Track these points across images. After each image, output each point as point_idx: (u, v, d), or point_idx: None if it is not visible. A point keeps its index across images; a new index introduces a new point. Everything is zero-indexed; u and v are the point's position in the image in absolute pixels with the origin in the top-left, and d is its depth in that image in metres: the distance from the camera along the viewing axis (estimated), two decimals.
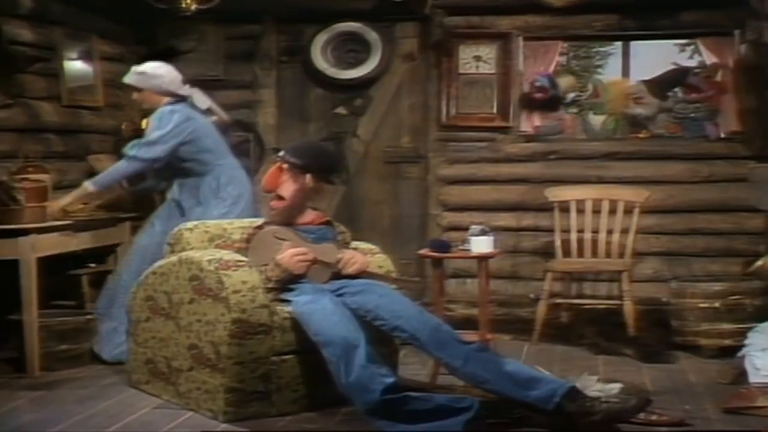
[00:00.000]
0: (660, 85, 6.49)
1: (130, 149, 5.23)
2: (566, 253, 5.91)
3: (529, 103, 6.44)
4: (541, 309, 5.63)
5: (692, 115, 6.34)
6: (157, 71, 5.37)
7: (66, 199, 5.19)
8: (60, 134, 5.85)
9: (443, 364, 4.16)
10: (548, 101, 6.42)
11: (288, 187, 4.43)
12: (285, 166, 4.45)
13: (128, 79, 5.41)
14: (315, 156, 4.56)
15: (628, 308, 5.44)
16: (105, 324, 5.17)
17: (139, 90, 5.38)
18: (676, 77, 6.52)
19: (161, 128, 5.20)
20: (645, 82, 6.49)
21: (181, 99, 5.37)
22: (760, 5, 5.23)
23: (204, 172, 5.31)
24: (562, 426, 3.79)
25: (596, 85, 6.70)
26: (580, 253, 5.90)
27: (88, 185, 5.22)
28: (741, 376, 4.65)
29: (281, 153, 4.55)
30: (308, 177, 4.44)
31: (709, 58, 6.39)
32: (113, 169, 5.29)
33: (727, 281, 5.57)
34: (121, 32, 6.57)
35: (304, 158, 4.47)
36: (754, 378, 4.57)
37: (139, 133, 6.43)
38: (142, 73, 5.36)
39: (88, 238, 5.32)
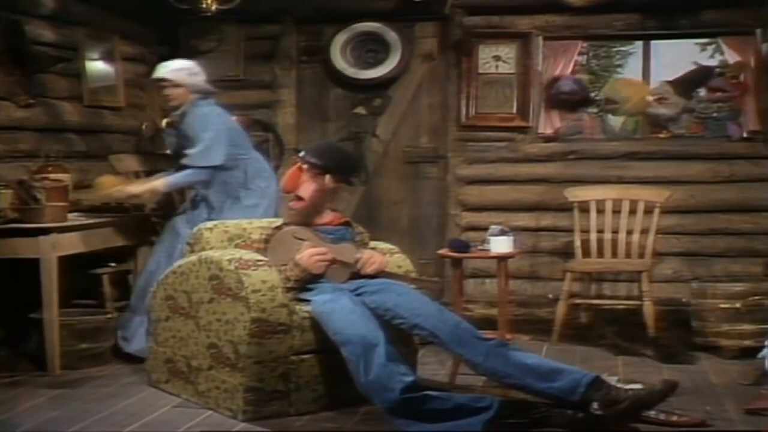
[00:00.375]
0: (684, 85, 6.46)
1: (194, 160, 5.15)
2: (586, 253, 5.88)
3: (560, 105, 6.42)
4: (561, 309, 5.60)
5: (714, 114, 6.31)
6: (195, 68, 5.35)
7: (137, 189, 5.22)
8: (81, 134, 5.89)
9: (464, 361, 4.15)
10: (579, 102, 6.41)
11: (308, 188, 4.44)
12: (305, 166, 4.46)
13: (164, 73, 5.31)
14: (335, 157, 4.57)
15: (648, 309, 5.41)
16: (134, 318, 5.20)
17: (175, 85, 5.30)
18: (699, 77, 6.49)
19: (207, 129, 5.17)
20: (669, 82, 6.46)
21: (207, 95, 5.35)
22: None
23: (232, 167, 5.28)
24: (585, 426, 3.78)
25: (608, 96, 6.62)
26: (600, 254, 5.87)
27: (160, 185, 5.25)
28: (762, 377, 4.61)
29: (301, 153, 4.56)
30: (328, 178, 4.45)
31: (732, 57, 6.36)
32: (185, 176, 5.20)
33: (747, 282, 5.54)
34: (143, 32, 6.61)
35: (324, 159, 4.47)
36: None
37: (160, 133, 6.49)
38: (181, 69, 5.31)
39: (109, 237, 5.34)
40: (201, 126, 5.18)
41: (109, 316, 5.23)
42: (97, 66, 6.06)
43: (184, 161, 5.20)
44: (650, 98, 6.39)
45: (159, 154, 6.40)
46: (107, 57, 6.17)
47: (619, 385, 3.92)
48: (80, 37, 5.87)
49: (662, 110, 6.33)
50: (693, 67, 6.64)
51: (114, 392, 4.52)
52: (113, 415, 4.13)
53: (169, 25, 6.59)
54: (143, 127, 6.45)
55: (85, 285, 5.47)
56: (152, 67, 6.39)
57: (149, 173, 6.13)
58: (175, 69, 5.30)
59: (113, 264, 5.60)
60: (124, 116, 6.34)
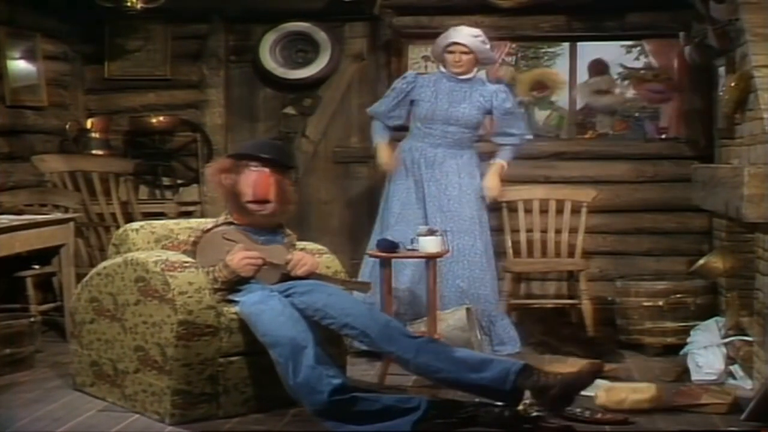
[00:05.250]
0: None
1: (525, 134, 5.66)
2: (516, 253, 5.94)
3: None
4: (501, 309, 5.64)
5: (636, 114, 6.46)
6: (485, 38, 5.56)
7: (491, 180, 5.51)
8: (4, 135, 5.77)
9: (394, 359, 4.17)
10: None
11: (273, 190, 4.35)
12: (267, 170, 4.35)
13: (459, 38, 5.45)
14: (291, 155, 4.57)
15: (587, 307, 5.51)
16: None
17: (466, 52, 5.46)
18: (602, 69, 6.69)
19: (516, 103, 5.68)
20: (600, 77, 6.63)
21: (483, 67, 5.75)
22: (704, 8, 5.31)
23: None
24: (512, 423, 3.81)
25: (541, 79, 6.74)
26: (530, 253, 5.93)
27: (503, 162, 5.58)
28: (684, 373, 4.73)
29: (261, 159, 4.36)
30: (288, 177, 4.43)
31: (654, 60, 6.49)
32: (515, 150, 5.65)
33: (671, 280, 5.65)
34: (66, 30, 6.49)
35: (290, 160, 4.51)
36: (696, 376, 4.66)
37: (84, 132, 6.40)
38: (476, 37, 5.49)
39: (32, 239, 5.23)
40: (512, 102, 5.62)
41: (33, 320, 5.13)
42: (18, 65, 5.95)
43: (509, 140, 5.60)
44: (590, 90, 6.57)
45: (84, 154, 6.32)
46: (29, 56, 6.05)
47: None
48: (1, 36, 5.74)
49: (605, 100, 6.46)
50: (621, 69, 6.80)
51: (38, 397, 4.43)
52: (38, 420, 4.06)
53: (93, 22, 6.49)
54: (67, 126, 6.34)
55: (8, 288, 5.36)
56: (75, 65, 6.32)
57: (73, 174, 6.06)
58: (470, 35, 5.46)
59: (37, 266, 5.49)
60: (47, 116, 6.22)
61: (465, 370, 3.90)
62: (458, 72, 5.53)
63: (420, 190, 5.52)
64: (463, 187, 5.51)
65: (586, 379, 3.86)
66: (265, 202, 4.32)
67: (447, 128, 5.54)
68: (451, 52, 5.51)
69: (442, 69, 5.63)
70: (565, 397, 3.81)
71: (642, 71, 6.65)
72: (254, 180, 4.31)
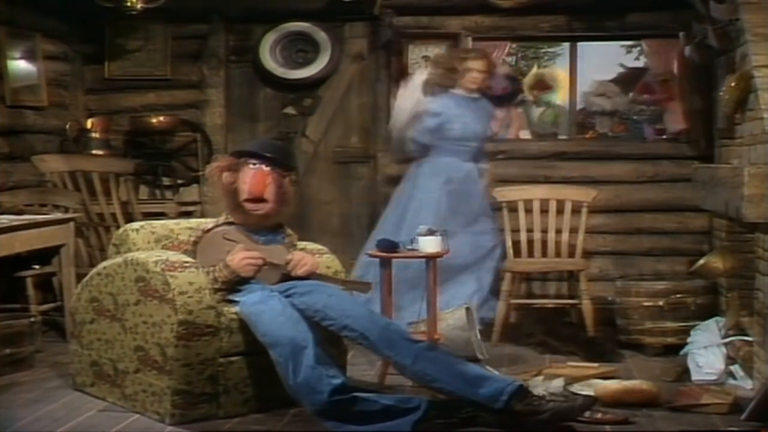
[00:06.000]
0: (623, 85, 6.63)
1: None
2: (517, 253, 5.94)
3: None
4: (501, 309, 5.64)
5: (635, 117, 6.46)
6: None
7: None
8: (4, 135, 5.77)
9: (392, 363, 4.17)
10: (508, 95, 6.52)
11: (271, 190, 4.33)
12: (267, 168, 4.35)
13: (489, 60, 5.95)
14: (292, 156, 4.63)
15: (587, 308, 5.51)
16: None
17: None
18: (631, 79, 6.66)
19: None
20: (612, 80, 6.62)
21: None
22: (704, 8, 5.31)
23: None
24: (510, 424, 3.82)
25: (543, 79, 6.79)
26: (531, 253, 5.93)
27: None
28: (684, 373, 4.73)
29: (261, 157, 4.36)
30: (289, 178, 4.41)
31: (654, 60, 6.50)
32: None
33: (671, 280, 5.65)
34: (66, 30, 6.50)
35: (291, 160, 4.52)
36: (696, 375, 4.66)
37: (84, 132, 6.41)
38: None
39: (32, 239, 5.23)
40: None
41: (33, 320, 5.12)
42: (18, 65, 5.95)
43: None
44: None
45: (84, 154, 6.32)
46: (29, 56, 6.06)
47: (540, 391, 3.98)
48: (1, 36, 5.74)
49: (600, 102, 6.46)
50: (622, 69, 6.78)
51: (38, 397, 4.43)
52: (38, 420, 4.06)
53: (93, 22, 6.50)
54: (67, 126, 6.35)
55: (8, 288, 5.36)
56: (75, 65, 6.34)
57: (73, 174, 6.06)
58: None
59: (37, 266, 5.49)
60: (47, 116, 6.23)
61: (460, 383, 3.90)
62: (474, 89, 5.87)
63: (452, 203, 5.77)
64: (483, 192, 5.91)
65: (577, 410, 3.87)
66: (261, 200, 4.31)
67: (475, 143, 5.91)
68: (477, 74, 5.85)
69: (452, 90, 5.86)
70: (553, 425, 3.82)
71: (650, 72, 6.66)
72: (251, 177, 4.31)
